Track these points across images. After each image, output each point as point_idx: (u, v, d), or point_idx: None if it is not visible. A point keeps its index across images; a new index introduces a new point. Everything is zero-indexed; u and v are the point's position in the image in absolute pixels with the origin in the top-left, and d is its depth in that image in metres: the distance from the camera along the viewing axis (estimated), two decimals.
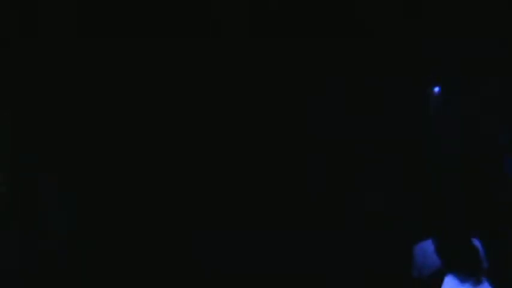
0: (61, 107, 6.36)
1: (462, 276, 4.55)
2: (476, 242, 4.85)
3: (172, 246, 6.56)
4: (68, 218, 6.28)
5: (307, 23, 6.67)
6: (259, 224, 6.66)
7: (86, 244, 6.28)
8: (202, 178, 6.76)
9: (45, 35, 6.20)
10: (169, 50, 6.62)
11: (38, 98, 6.26)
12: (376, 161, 6.84)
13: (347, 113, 6.89)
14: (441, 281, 4.66)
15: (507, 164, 6.65)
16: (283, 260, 6.52)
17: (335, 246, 6.57)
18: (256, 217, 6.72)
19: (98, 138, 6.52)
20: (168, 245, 6.57)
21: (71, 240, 6.27)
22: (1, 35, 6.02)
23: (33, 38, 6.15)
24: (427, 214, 5.96)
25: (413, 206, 6.48)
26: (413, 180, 6.77)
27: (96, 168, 6.51)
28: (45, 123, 6.28)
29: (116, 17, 6.38)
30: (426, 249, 4.96)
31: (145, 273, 6.44)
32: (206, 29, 6.60)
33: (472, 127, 6.70)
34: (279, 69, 6.79)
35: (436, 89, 6.87)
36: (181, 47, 6.63)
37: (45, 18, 6.17)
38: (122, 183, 6.56)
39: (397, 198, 6.70)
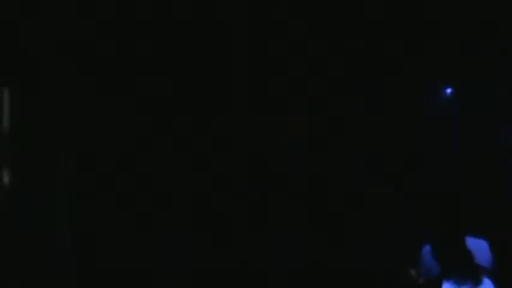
0: (63, 105, 6.33)
1: (459, 281, 4.59)
2: (483, 243, 4.87)
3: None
4: (71, 217, 6.26)
5: None
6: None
7: (90, 244, 6.25)
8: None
9: None
10: None
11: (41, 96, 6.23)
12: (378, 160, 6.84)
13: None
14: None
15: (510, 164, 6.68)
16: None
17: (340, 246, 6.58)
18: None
19: (98, 136, 6.48)
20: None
21: (75, 240, 6.24)
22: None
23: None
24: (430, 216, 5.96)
25: (418, 207, 6.47)
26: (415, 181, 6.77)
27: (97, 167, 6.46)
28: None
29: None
30: None
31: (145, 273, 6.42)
32: None
33: (476, 127, 6.71)
34: None
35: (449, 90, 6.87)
36: None
37: None
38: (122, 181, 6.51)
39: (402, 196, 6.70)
